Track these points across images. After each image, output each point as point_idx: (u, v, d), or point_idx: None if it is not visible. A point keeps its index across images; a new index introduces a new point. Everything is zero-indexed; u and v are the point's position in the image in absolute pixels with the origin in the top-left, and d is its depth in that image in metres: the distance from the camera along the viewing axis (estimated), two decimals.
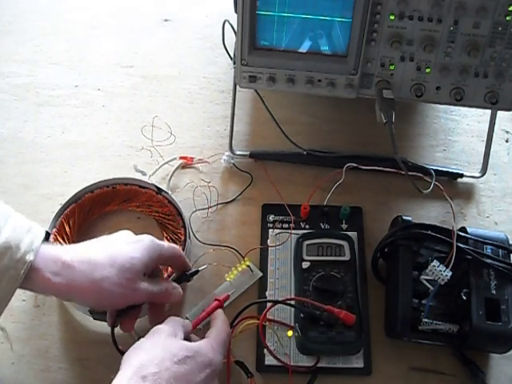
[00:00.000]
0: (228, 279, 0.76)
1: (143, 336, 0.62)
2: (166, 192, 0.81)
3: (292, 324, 0.72)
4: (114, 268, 0.63)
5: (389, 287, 0.74)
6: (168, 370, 0.57)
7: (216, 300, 0.71)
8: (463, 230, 0.74)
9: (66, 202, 0.79)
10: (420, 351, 0.72)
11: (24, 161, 0.88)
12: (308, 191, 0.82)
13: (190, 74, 0.98)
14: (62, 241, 0.76)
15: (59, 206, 0.79)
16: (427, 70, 0.73)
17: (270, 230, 0.80)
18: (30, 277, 0.60)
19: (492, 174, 0.87)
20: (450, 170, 0.86)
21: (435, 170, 0.83)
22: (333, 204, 0.82)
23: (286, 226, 0.81)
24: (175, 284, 0.70)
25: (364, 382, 0.71)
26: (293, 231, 0.80)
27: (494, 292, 0.69)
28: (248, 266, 0.77)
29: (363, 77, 0.74)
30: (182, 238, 0.77)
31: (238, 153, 0.87)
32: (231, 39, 0.77)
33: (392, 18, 0.69)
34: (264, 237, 0.80)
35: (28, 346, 0.72)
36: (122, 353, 0.61)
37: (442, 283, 0.68)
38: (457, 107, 0.92)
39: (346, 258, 0.74)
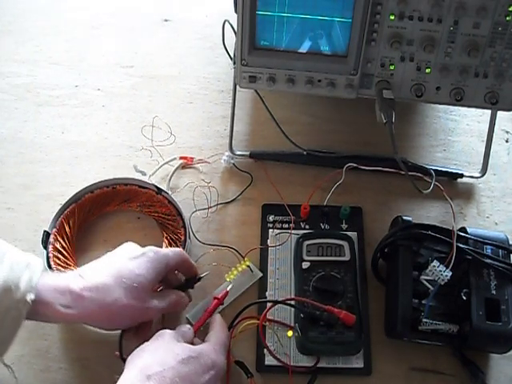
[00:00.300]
0: (228, 279, 0.76)
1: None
2: (166, 192, 0.81)
3: (292, 324, 0.72)
4: (121, 288, 0.63)
5: (389, 287, 0.74)
6: (172, 368, 0.58)
7: (215, 298, 0.72)
8: (463, 230, 0.74)
9: (66, 202, 0.79)
10: (420, 351, 0.72)
11: (24, 161, 0.88)
12: (308, 191, 0.82)
13: (189, 74, 0.98)
14: (61, 241, 0.76)
15: (59, 206, 0.79)
16: (427, 70, 0.73)
17: (270, 230, 0.80)
18: (37, 311, 0.60)
19: (492, 174, 0.87)
20: (450, 170, 0.86)
21: (435, 170, 0.83)
22: (333, 204, 0.82)
23: (285, 226, 0.81)
24: (182, 293, 0.70)
25: (364, 382, 0.71)
26: (293, 231, 0.79)
27: (493, 292, 0.69)
28: (248, 266, 0.77)
29: (363, 77, 0.74)
30: (182, 238, 0.77)
31: (238, 153, 0.87)
32: (231, 39, 0.77)
33: (392, 18, 0.69)
34: (264, 237, 0.80)
35: (28, 346, 0.72)
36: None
37: (442, 283, 0.68)
38: (457, 107, 0.92)
39: (346, 258, 0.74)
